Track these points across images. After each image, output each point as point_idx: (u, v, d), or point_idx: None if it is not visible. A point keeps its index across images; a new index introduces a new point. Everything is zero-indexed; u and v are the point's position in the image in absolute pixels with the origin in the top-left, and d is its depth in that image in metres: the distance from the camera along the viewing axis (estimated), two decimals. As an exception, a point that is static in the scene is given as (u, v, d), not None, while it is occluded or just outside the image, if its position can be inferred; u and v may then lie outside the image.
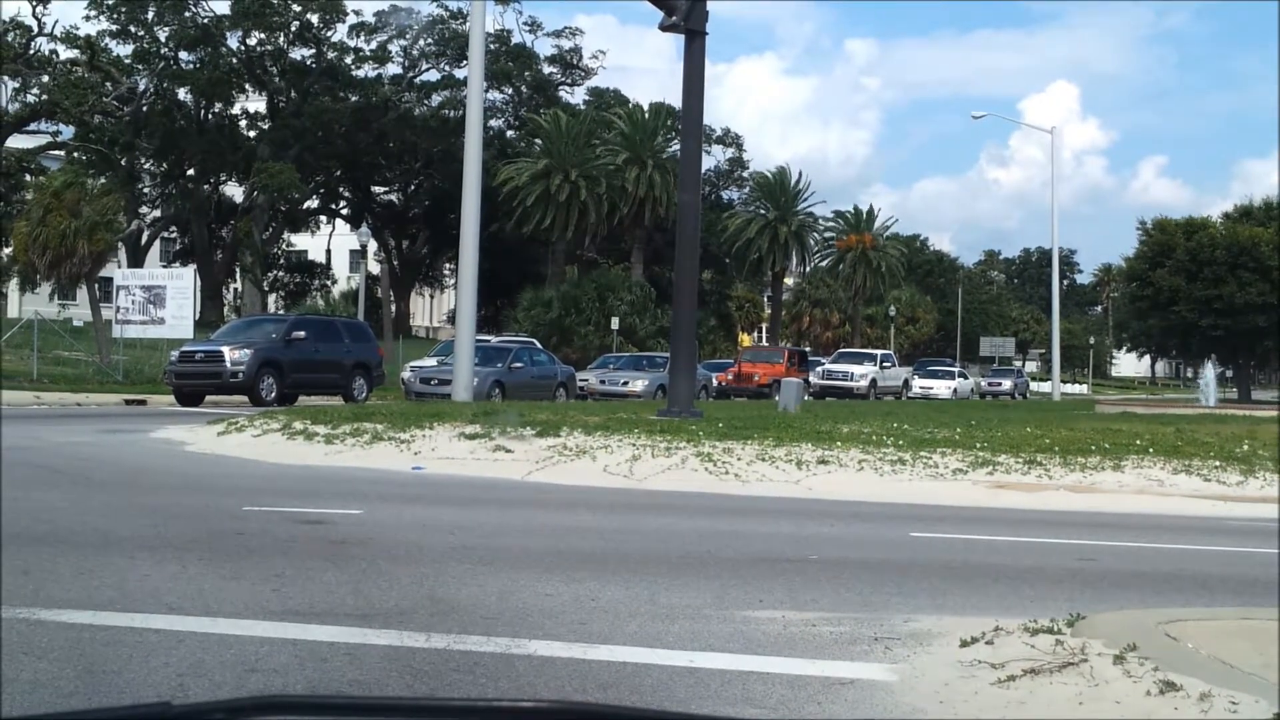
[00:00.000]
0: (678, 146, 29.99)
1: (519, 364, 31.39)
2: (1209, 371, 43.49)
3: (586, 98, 73.80)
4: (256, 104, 66.81)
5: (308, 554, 7.88)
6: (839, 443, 14.70)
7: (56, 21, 54.17)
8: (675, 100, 44.84)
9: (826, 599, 6.79)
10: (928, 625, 5.99)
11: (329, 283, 75.91)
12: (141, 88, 61.01)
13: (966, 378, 60.85)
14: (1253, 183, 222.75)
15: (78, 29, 55.23)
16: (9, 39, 51.74)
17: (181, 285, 37.57)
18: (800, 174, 70.32)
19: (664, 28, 18.43)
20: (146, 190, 66.13)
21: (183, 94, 64.56)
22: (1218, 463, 13.73)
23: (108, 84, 55.67)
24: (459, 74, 64.32)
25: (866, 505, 11.85)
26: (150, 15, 61.04)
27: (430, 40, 68.34)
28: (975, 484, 13.02)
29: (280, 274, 74.14)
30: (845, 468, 13.62)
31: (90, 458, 14.46)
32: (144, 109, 61.05)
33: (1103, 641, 5.09)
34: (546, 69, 72.98)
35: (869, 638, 5.79)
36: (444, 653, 5.33)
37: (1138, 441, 15.34)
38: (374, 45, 66.56)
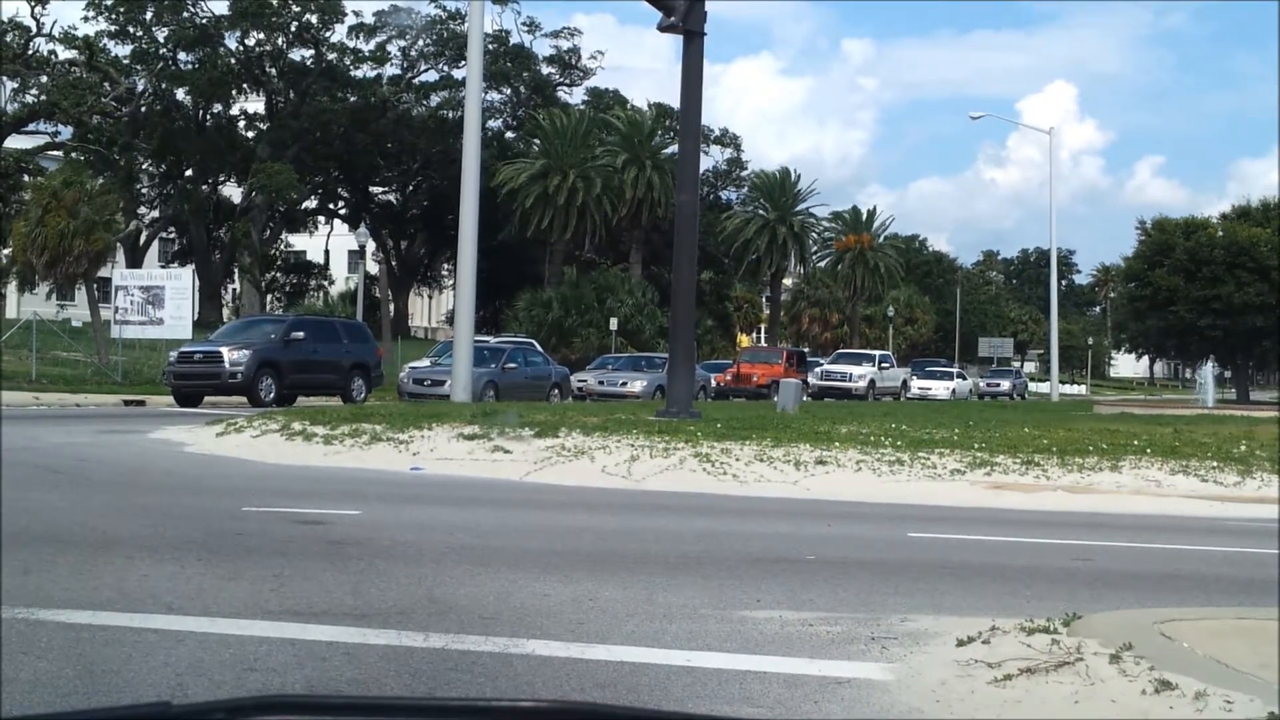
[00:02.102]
0: (676, 147, 29.97)
1: (513, 365, 31.36)
2: (1207, 372, 43.49)
3: (585, 98, 73.83)
4: (255, 104, 66.79)
5: (306, 554, 7.89)
6: (837, 443, 14.71)
7: (55, 22, 54.34)
8: (673, 100, 44.89)
9: (824, 599, 6.81)
10: (924, 625, 6.01)
11: (327, 283, 75.90)
12: (140, 88, 60.97)
13: (965, 378, 60.80)
14: (1249, 183, 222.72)
15: (76, 29, 55.35)
16: (8, 39, 51.73)
17: (180, 286, 37.51)
18: (799, 175, 70.44)
19: (662, 28, 18.40)
20: (145, 190, 66.08)
21: (181, 94, 64.51)
22: (1215, 463, 13.74)
23: (106, 84, 55.68)
24: (457, 74, 64.35)
25: (864, 505, 11.87)
26: (149, 15, 61.00)
27: (429, 41, 68.35)
28: (973, 484, 13.04)
29: (278, 274, 74.13)
30: (843, 468, 13.63)
31: (89, 458, 14.46)
32: (142, 109, 61.01)
33: (1098, 641, 5.10)
34: (545, 69, 72.96)
35: (866, 637, 5.80)
36: (442, 652, 5.34)
37: (1135, 442, 15.35)
38: (373, 46, 66.61)
